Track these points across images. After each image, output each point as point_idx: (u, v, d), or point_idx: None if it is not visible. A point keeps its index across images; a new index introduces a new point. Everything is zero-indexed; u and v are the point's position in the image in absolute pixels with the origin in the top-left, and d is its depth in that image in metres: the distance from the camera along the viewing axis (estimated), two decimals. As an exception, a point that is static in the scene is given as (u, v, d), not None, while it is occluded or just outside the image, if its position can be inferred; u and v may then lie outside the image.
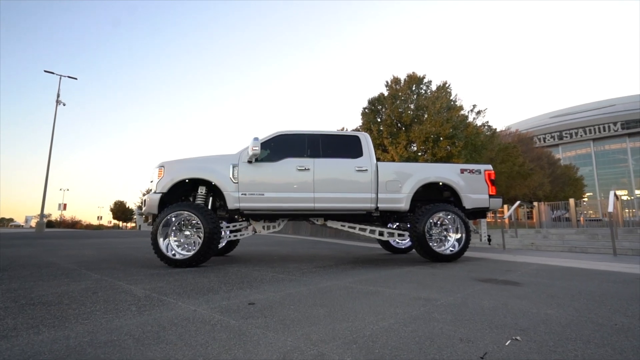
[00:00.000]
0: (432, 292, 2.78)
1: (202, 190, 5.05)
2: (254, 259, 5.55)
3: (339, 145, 5.21)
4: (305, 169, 4.92)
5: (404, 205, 5.02)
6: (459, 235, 5.10)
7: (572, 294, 2.73)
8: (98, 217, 74.46)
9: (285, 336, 1.68)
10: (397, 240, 6.26)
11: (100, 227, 63.50)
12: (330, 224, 5.31)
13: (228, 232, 5.45)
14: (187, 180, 4.94)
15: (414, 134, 16.86)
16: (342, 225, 5.29)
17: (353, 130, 23.44)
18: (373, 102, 20.21)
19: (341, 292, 2.80)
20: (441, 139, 17.04)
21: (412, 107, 19.03)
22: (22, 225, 76.62)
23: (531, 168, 25.90)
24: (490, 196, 5.28)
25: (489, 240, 6.45)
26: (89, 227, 65.59)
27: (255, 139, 4.74)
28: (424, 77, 19.81)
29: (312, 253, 7.02)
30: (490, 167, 5.45)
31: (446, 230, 5.18)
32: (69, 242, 10.45)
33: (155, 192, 4.85)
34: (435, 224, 5.14)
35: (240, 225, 5.47)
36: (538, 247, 9.21)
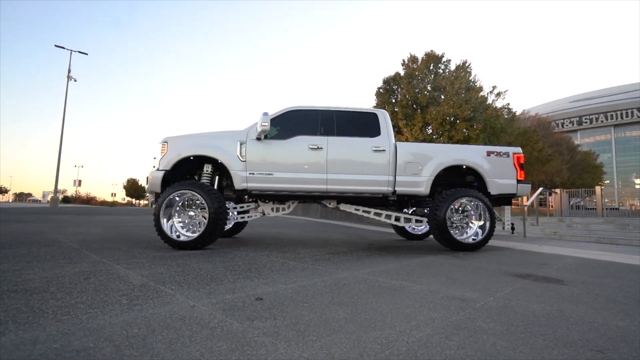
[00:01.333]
0: (465, 290, 2.43)
1: (207, 168, 4.78)
2: (262, 242, 5.26)
3: (355, 123, 4.86)
4: (317, 148, 4.60)
5: (424, 189, 4.65)
6: (482, 223, 4.70)
7: (635, 297, 2.34)
8: (112, 194, 75.95)
9: (300, 350, 1.34)
10: (413, 226, 5.96)
11: (114, 204, 64.78)
12: (343, 207, 5.00)
13: (235, 214, 5.18)
14: (191, 158, 4.67)
15: (430, 115, 16.17)
16: (355, 209, 4.98)
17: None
18: (388, 82, 19.43)
19: (361, 287, 2.46)
20: (458, 121, 16.33)
21: (429, 87, 18.24)
22: (40, 200, 78.77)
23: (550, 154, 24.98)
24: (518, 181, 4.84)
25: (513, 229, 5.96)
26: (104, 203, 67.03)
27: (265, 114, 4.41)
28: (442, 56, 18.88)
29: (323, 237, 6.72)
30: (519, 150, 5.00)
31: (468, 217, 4.79)
32: (79, 218, 10.40)
33: (158, 170, 4.57)
34: (457, 210, 4.73)
35: (248, 206, 5.21)
36: (562, 236, 8.73)
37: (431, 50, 19.04)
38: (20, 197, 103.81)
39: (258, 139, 4.60)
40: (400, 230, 6.61)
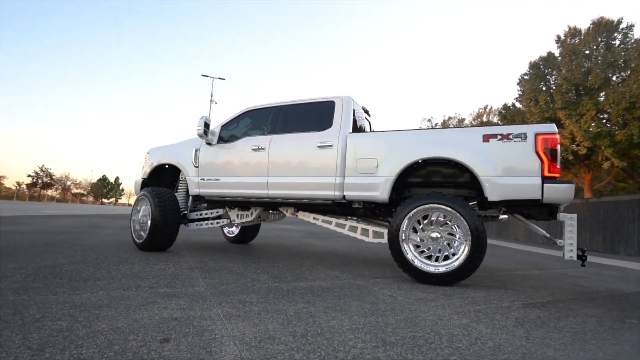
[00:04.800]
0: None
1: (182, 175, 4.92)
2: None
3: (308, 116, 4.14)
4: (259, 149, 4.15)
5: (380, 193, 3.49)
6: (460, 245, 3.09)
7: None
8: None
9: None
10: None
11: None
12: (301, 215, 4.31)
13: (237, 219, 4.88)
14: (166, 166, 4.96)
15: (608, 99, 12.07)
16: (314, 218, 4.19)
17: (502, 105, 19.14)
18: (536, 66, 15.72)
19: None
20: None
21: (599, 64, 13.89)
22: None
23: None
24: (546, 180, 2.95)
25: (583, 258, 3.31)
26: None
27: (201, 117, 4.27)
28: (619, 22, 14.28)
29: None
30: (549, 127, 3.09)
31: (452, 235, 3.18)
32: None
33: (141, 177, 5.06)
34: (430, 222, 3.25)
35: (213, 212, 4.94)
36: None
37: (600, 17, 14.62)
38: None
39: (208, 144, 4.50)
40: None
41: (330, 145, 3.76)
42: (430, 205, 3.17)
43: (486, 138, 3.18)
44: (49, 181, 68.66)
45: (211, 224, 4.90)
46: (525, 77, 15.98)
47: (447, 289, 3.01)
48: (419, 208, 3.22)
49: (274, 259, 4.33)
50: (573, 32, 14.74)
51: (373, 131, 4.46)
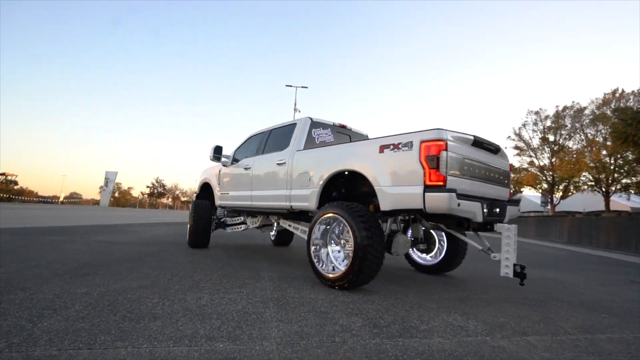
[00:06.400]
0: None
1: None
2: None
3: (279, 138, 4.64)
4: (248, 168, 4.91)
5: (310, 204, 3.81)
6: (347, 251, 3.26)
7: None
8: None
9: None
10: (417, 254, 4.73)
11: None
12: (282, 222, 4.85)
13: (275, 225, 5.34)
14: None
15: None
16: (289, 225, 4.69)
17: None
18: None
19: None
20: None
21: None
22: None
23: None
24: (427, 188, 2.80)
25: (521, 275, 2.86)
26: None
27: (213, 145, 5.37)
28: None
29: None
30: (433, 134, 2.88)
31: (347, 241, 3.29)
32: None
33: (195, 192, 6.34)
34: (339, 230, 3.42)
35: (237, 219, 5.96)
36: None
37: None
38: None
39: (224, 165, 5.49)
40: (409, 258, 4.96)
41: (284, 162, 4.24)
42: (328, 214, 3.35)
43: (382, 149, 3.19)
44: (162, 191, 79.58)
45: (237, 228, 5.92)
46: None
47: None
48: (322, 217, 3.42)
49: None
50: None
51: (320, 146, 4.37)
